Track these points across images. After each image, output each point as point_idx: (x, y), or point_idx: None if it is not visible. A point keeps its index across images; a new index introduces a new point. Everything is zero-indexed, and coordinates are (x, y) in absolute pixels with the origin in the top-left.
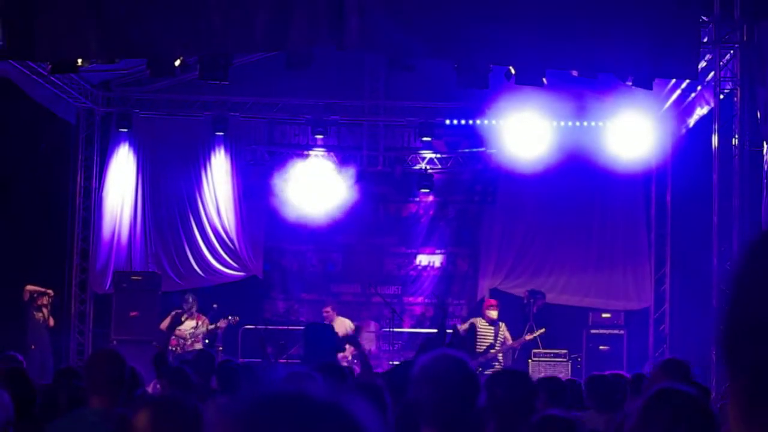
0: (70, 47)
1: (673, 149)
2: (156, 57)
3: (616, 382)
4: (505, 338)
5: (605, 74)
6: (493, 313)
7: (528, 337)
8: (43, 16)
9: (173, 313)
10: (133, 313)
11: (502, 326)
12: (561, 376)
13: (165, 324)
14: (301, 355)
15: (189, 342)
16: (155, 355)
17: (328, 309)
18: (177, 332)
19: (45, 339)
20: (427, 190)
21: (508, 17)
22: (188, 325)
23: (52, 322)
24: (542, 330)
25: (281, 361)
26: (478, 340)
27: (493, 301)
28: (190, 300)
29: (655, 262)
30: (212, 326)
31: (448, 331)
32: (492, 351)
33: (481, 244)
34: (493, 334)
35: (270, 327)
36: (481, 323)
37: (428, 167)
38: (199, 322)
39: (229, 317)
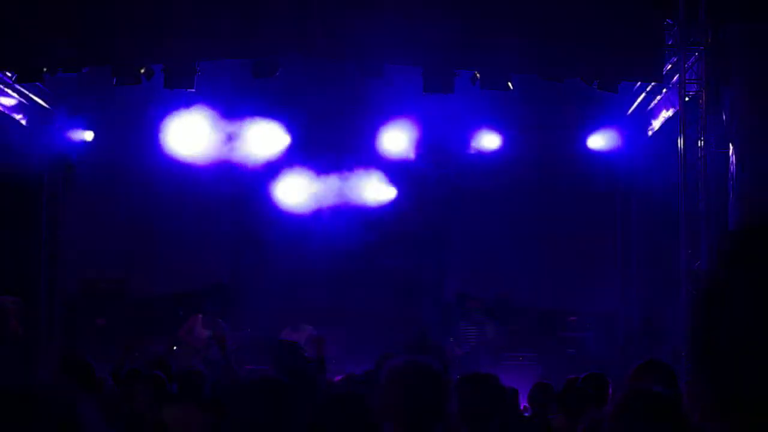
0: (37, 55)
1: (640, 152)
2: (122, 65)
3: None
4: (487, 338)
5: (571, 78)
6: (476, 315)
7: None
8: (9, 24)
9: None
10: (100, 321)
11: (486, 326)
12: (530, 379)
13: (183, 330)
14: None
15: (205, 348)
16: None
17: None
18: (195, 339)
19: (15, 348)
20: (394, 194)
21: (473, 23)
22: (206, 332)
23: (20, 330)
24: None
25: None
26: (461, 341)
27: (476, 303)
28: (211, 306)
29: (622, 264)
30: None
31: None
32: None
33: (447, 247)
34: (475, 336)
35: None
36: (463, 325)
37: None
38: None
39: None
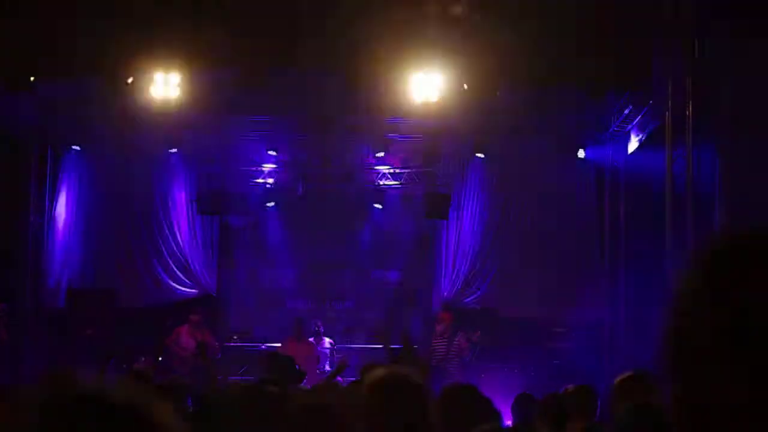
0: (25, 64)
1: (627, 161)
2: (111, 74)
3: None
4: (459, 349)
5: (558, 87)
6: (438, 326)
7: (473, 338)
8: None
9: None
10: (88, 331)
11: (459, 339)
12: (513, 389)
13: (170, 340)
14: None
15: (192, 358)
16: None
17: (297, 327)
18: (182, 348)
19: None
20: (381, 206)
21: (461, 31)
22: (192, 342)
23: (5, 335)
24: (477, 332)
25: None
26: (432, 353)
27: (442, 316)
28: (197, 315)
29: (610, 274)
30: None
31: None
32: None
33: (434, 259)
34: (444, 347)
35: (225, 344)
36: (434, 337)
37: (381, 182)
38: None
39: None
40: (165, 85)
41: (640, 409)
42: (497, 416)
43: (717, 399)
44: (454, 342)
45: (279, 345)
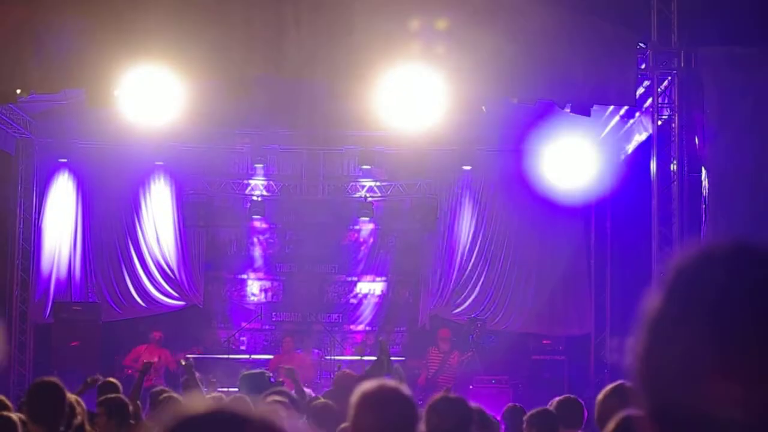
0: (10, 78)
1: (613, 175)
2: (94, 87)
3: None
4: (451, 365)
5: (544, 101)
6: (444, 345)
7: (464, 358)
8: None
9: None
10: (73, 343)
11: (454, 354)
12: (502, 402)
13: (129, 358)
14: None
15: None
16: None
17: (288, 340)
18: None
19: None
20: (367, 218)
21: (446, 44)
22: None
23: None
24: (469, 353)
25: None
26: (428, 365)
27: (444, 334)
28: (159, 333)
29: (596, 287)
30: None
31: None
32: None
33: (421, 272)
34: (439, 363)
35: (212, 356)
36: (433, 352)
37: (368, 195)
38: (161, 357)
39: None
40: (151, 98)
41: (627, 423)
42: (495, 427)
43: (693, 413)
44: (449, 358)
45: (264, 357)
